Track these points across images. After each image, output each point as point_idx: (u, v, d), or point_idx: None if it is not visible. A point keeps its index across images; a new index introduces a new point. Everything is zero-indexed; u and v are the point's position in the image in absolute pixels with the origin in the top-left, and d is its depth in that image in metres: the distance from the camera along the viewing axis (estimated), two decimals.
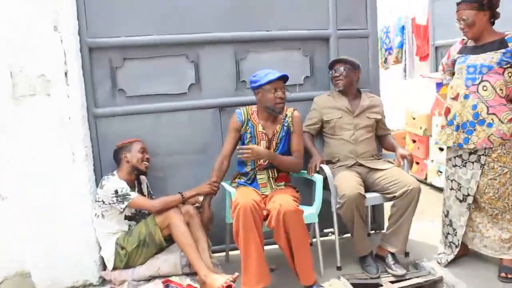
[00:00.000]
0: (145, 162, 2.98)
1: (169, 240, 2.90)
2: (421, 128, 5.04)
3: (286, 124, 3.05)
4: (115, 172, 2.92)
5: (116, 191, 2.79)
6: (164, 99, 3.22)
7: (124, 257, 2.84)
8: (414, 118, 5.19)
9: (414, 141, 5.31)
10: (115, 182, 2.83)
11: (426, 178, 5.11)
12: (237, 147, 2.97)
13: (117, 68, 3.11)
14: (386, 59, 6.68)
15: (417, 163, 5.27)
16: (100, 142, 3.09)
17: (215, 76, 3.29)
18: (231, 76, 3.33)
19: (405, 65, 6.42)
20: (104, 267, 2.97)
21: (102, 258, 2.98)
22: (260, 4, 3.31)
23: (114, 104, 3.14)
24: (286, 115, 3.06)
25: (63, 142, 2.86)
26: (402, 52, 6.44)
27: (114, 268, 2.88)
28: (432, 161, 5.00)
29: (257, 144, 3.01)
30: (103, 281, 3.01)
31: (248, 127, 3.02)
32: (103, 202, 2.83)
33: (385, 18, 6.43)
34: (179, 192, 2.92)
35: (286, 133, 3.06)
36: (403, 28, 6.40)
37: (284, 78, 2.97)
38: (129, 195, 2.80)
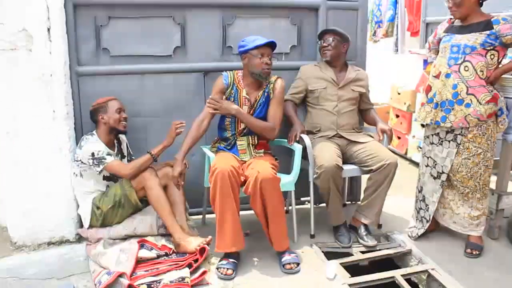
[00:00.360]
0: (123, 122, 2.95)
1: (146, 201, 2.93)
2: (405, 103, 5.08)
3: (267, 91, 3.03)
4: (94, 132, 2.91)
5: (93, 154, 2.79)
6: (148, 60, 3.20)
7: (100, 216, 2.87)
8: (399, 94, 5.21)
9: (397, 116, 5.35)
10: (93, 143, 2.83)
11: (406, 153, 5.18)
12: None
13: (102, 26, 3.07)
14: (375, 32, 6.63)
15: (399, 137, 5.33)
16: (82, 101, 3.07)
17: (201, 40, 3.27)
18: (217, 41, 3.31)
19: (397, 39, 6.39)
20: (81, 224, 3.01)
21: (79, 216, 3.01)
22: None
23: (98, 63, 3.12)
24: (269, 81, 3.05)
25: (44, 99, 2.85)
26: (392, 26, 6.39)
27: (91, 226, 2.92)
28: (414, 136, 5.05)
29: (237, 123, 3.01)
30: (80, 238, 3.06)
31: (232, 91, 3.01)
32: (81, 162, 2.84)
33: None
34: (147, 151, 2.89)
35: (266, 99, 3.04)
36: (395, 2, 6.33)
37: (272, 45, 2.95)
38: (105, 159, 2.80)
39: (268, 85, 3.03)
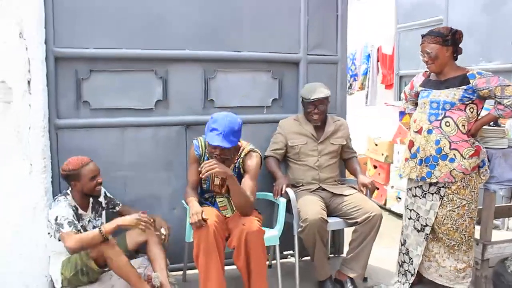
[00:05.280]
0: (98, 187, 2.80)
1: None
2: (382, 154, 5.14)
3: (237, 166, 2.94)
4: (69, 191, 2.78)
5: (56, 218, 2.62)
6: (129, 113, 3.16)
7: (65, 280, 2.70)
8: (376, 145, 5.29)
9: (375, 167, 5.40)
10: (61, 208, 2.66)
11: (385, 204, 5.20)
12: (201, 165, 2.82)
13: (83, 79, 3.04)
14: (351, 85, 6.82)
15: (377, 188, 5.35)
16: (60, 154, 2.98)
17: (182, 94, 3.27)
18: (199, 94, 3.32)
19: (367, 92, 6.59)
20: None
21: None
22: (231, 24, 3.33)
23: (78, 116, 3.06)
24: (240, 156, 2.94)
25: (21, 152, 2.76)
26: (366, 79, 6.59)
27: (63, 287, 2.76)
28: (392, 187, 5.09)
29: (212, 181, 2.95)
30: None
31: (205, 161, 2.87)
32: (51, 223, 2.70)
33: (352, 45, 6.58)
34: (98, 228, 2.61)
35: (238, 174, 2.91)
36: (369, 56, 6.57)
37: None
38: (62, 227, 2.59)
39: (239, 159, 2.94)
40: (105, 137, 3.11)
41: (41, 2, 2.80)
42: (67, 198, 2.74)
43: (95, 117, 3.09)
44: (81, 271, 2.66)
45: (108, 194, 3.02)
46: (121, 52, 3.08)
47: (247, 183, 2.85)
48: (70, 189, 2.79)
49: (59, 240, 2.66)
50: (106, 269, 2.74)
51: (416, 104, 3.11)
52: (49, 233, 2.79)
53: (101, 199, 2.98)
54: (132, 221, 2.62)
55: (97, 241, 2.58)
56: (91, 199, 2.89)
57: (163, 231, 2.85)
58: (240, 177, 2.91)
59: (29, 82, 2.74)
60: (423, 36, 2.90)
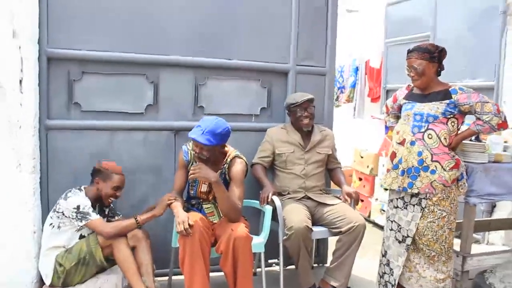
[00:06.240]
0: (112, 198, 2.91)
1: (111, 260, 2.83)
2: (368, 167, 5.21)
3: (224, 172, 2.96)
4: (82, 188, 2.85)
5: (78, 207, 2.72)
6: (120, 117, 3.19)
7: (62, 274, 2.74)
8: (362, 157, 5.36)
9: (360, 179, 5.47)
10: (81, 197, 2.77)
11: (369, 216, 5.26)
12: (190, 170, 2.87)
13: (74, 81, 3.06)
14: (338, 97, 6.90)
15: (362, 200, 5.41)
16: (49, 155, 3.00)
17: (173, 99, 3.31)
18: (189, 100, 3.36)
19: (355, 104, 6.67)
20: (43, 283, 2.85)
21: (39, 274, 2.85)
22: (224, 32, 3.38)
23: (68, 117, 3.08)
24: (226, 161, 2.97)
25: (10, 152, 2.76)
26: (354, 91, 6.68)
27: (52, 285, 2.77)
28: (376, 199, 5.16)
29: (199, 187, 2.98)
30: None
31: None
32: (63, 214, 2.74)
33: (341, 58, 6.67)
34: (133, 216, 2.82)
35: (224, 180, 2.93)
36: (357, 69, 6.66)
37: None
38: (90, 215, 2.73)
39: (225, 165, 2.99)
40: (95, 139, 3.13)
41: (35, 2, 2.83)
42: (82, 192, 2.81)
43: (85, 119, 3.11)
44: (83, 259, 2.73)
45: (112, 206, 3.06)
46: (114, 55, 3.11)
47: (233, 190, 2.88)
48: (85, 186, 2.89)
49: (79, 230, 2.78)
50: (105, 265, 2.81)
51: (397, 118, 3.19)
52: (51, 224, 2.79)
53: (107, 210, 3.03)
54: (163, 209, 2.85)
55: (132, 229, 2.79)
56: (98, 204, 2.93)
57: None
58: (226, 183, 2.93)
59: (21, 81, 2.76)
60: (409, 51, 2.97)
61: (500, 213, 4.40)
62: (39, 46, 2.89)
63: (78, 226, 2.75)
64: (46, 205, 2.98)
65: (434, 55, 2.89)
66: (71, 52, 3.02)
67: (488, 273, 3.14)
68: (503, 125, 2.85)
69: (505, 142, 3.41)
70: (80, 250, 2.75)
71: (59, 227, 2.78)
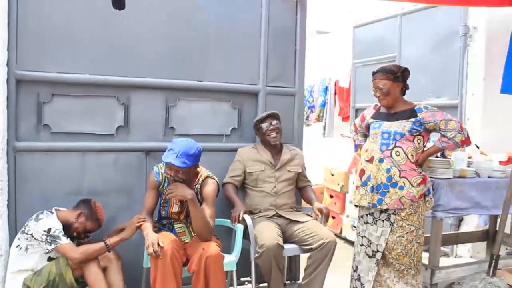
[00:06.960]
0: (75, 234, 2.90)
1: (82, 282, 2.79)
2: (338, 184, 5.29)
3: (196, 192, 2.96)
4: (54, 210, 2.83)
5: (49, 230, 2.68)
6: (90, 138, 3.18)
7: None
8: (332, 175, 5.44)
9: (331, 196, 5.54)
10: (53, 220, 2.74)
11: (341, 232, 5.31)
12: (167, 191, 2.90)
13: (44, 103, 3.05)
14: (308, 116, 7.01)
15: (333, 217, 5.48)
16: (17, 177, 2.97)
17: (144, 120, 3.32)
18: (160, 121, 3.38)
19: (325, 123, 6.78)
20: None
21: None
22: (195, 54, 3.43)
23: (38, 139, 3.06)
24: (198, 181, 2.99)
25: None
26: (324, 111, 6.79)
27: None
28: (348, 216, 5.23)
29: (171, 207, 2.99)
30: None
31: (164, 188, 2.97)
32: (32, 236, 2.70)
33: (310, 78, 6.79)
34: (103, 240, 2.78)
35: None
36: (326, 89, 6.79)
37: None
38: (60, 239, 2.69)
39: (197, 185, 2.99)
40: (66, 161, 3.11)
41: (4, 24, 2.83)
42: (54, 215, 2.79)
43: (55, 141, 3.09)
44: (52, 281, 2.67)
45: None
46: (84, 77, 3.12)
47: (205, 209, 2.89)
48: (56, 208, 2.87)
49: (48, 252, 2.73)
50: (76, 287, 2.75)
51: (365, 136, 3.29)
52: (18, 246, 2.74)
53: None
54: (133, 232, 2.84)
55: (102, 253, 2.76)
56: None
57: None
58: (199, 203, 2.95)
59: None
60: (374, 72, 3.08)
61: (467, 227, 4.51)
62: (8, 68, 2.88)
63: (47, 249, 2.71)
64: (14, 227, 2.94)
65: (398, 75, 3.00)
66: (40, 74, 3.01)
67: (456, 285, 3.23)
68: (466, 142, 2.97)
69: (469, 158, 3.54)
70: (49, 272, 2.70)
71: (26, 249, 2.74)
